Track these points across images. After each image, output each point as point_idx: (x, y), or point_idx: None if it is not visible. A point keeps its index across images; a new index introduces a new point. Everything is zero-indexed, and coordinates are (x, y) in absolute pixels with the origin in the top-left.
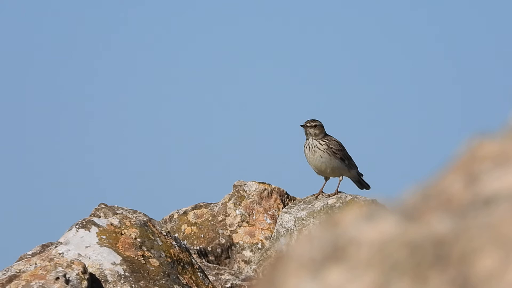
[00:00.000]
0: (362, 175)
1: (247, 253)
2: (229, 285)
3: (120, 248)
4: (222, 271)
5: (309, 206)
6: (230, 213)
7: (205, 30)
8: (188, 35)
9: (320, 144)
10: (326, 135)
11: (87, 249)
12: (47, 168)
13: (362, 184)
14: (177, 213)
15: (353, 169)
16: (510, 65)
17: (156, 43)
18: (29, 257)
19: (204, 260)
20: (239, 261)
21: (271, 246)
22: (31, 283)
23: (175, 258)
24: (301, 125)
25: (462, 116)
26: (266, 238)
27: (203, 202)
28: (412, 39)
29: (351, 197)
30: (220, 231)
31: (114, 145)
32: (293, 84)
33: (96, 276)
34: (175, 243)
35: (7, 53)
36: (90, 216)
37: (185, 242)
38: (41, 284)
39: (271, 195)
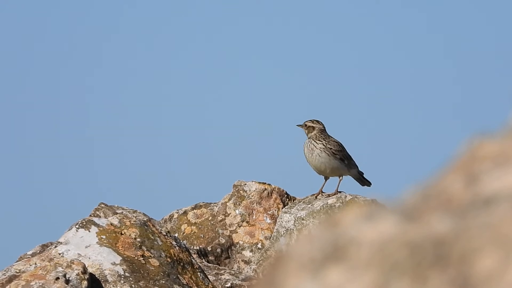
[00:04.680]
0: (363, 173)
1: (247, 253)
2: (229, 285)
3: (120, 248)
4: (222, 271)
5: (309, 206)
6: (230, 213)
7: (205, 30)
8: (188, 35)
9: (316, 143)
10: (327, 135)
11: (87, 249)
12: (47, 168)
13: (363, 181)
14: (177, 213)
15: (353, 168)
16: (510, 65)
17: (156, 43)
18: (29, 257)
19: (204, 260)
20: (239, 261)
21: (271, 246)
22: (31, 283)
23: (175, 258)
24: (297, 125)
25: (462, 116)
26: (266, 238)
27: (203, 202)
28: (412, 39)
29: (351, 197)
30: (220, 231)
31: (114, 145)
32: (293, 84)
33: (96, 276)
34: (175, 243)
35: (7, 53)
36: (90, 216)
37: (185, 242)
38: (41, 284)
39: (271, 195)
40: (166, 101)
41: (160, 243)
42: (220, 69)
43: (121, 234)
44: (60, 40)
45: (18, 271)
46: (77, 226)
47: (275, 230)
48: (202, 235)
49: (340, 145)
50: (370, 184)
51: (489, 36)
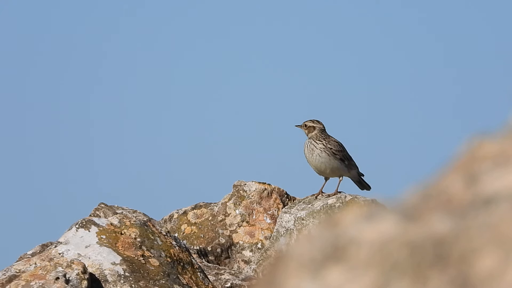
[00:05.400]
0: (363, 175)
1: (247, 253)
2: (229, 285)
3: (120, 248)
4: (222, 271)
5: (309, 206)
6: (230, 213)
7: (205, 30)
8: (188, 35)
9: (317, 143)
10: (327, 135)
11: (87, 249)
12: (47, 168)
13: (362, 185)
14: (177, 213)
15: (353, 169)
16: (510, 65)
17: (157, 43)
18: (29, 257)
19: (204, 260)
20: (239, 261)
21: (271, 246)
22: (31, 283)
23: (175, 258)
24: (296, 125)
25: (462, 116)
26: (266, 238)
27: (203, 202)
28: (412, 39)
29: (351, 197)
30: (220, 231)
31: (114, 145)
32: (293, 84)
33: (96, 276)
34: (175, 243)
35: (7, 53)
36: (90, 215)
37: (185, 242)
38: (41, 284)
39: (271, 195)
40: (166, 101)
41: (160, 243)
42: (220, 69)
43: (121, 234)
44: (60, 40)
45: (18, 271)
46: (77, 226)
47: (275, 230)
48: (202, 235)
49: (341, 145)
50: (370, 188)
51: (489, 36)
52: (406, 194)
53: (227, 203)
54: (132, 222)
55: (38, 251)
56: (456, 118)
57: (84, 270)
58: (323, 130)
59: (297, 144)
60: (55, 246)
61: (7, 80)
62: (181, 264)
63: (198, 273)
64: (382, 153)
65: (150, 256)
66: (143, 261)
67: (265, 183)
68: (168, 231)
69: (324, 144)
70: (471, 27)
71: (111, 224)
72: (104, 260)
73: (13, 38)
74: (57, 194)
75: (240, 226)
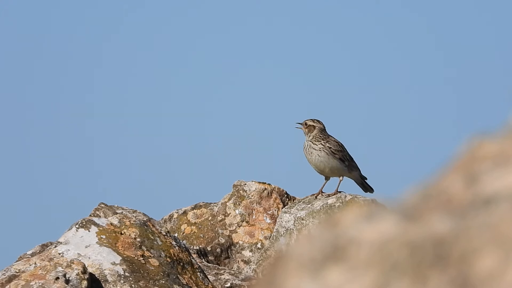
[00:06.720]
0: (366, 178)
1: (247, 253)
2: (228, 285)
3: (120, 248)
4: (222, 271)
5: (309, 206)
6: (230, 213)
7: (205, 30)
8: (188, 35)
9: (315, 144)
10: (327, 135)
11: (86, 249)
12: (47, 168)
13: (365, 187)
14: (177, 213)
15: (355, 170)
16: (510, 65)
17: (157, 43)
18: (28, 257)
19: (203, 260)
20: (238, 261)
21: (271, 246)
22: (31, 283)
23: (174, 258)
24: (297, 123)
25: (462, 116)
26: (265, 238)
27: (203, 202)
28: (412, 39)
29: (351, 197)
30: (220, 231)
31: (114, 145)
32: (293, 84)
33: (96, 276)
34: (174, 243)
35: (7, 53)
36: (90, 215)
37: (184, 242)
38: (40, 284)
39: (271, 195)
40: (166, 100)
41: (160, 243)
42: (220, 69)
43: (121, 234)
44: (60, 40)
45: (18, 271)
46: (77, 226)
47: (275, 230)
48: (202, 235)
49: (341, 145)
50: (373, 190)
51: (489, 36)
52: (406, 194)
53: (227, 203)
54: (132, 222)
55: (38, 251)
56: (456, 119)
57: (84, 270)
58: (323, 130)
59: (297, 144)
60: (55, 246)
61: (7, 80)
62: (181, 264)
63: (198, 273)
64: (382, 153)
65: (150, 256)
66: (143, 261)
67: (265, 183)
68: (168, 231)
69: (323, 143)
70: (471, 27)
71: (111, 224)
72: (104, 260)
73: (13, 38)
74: (57, 194)
75: (240, 226)
